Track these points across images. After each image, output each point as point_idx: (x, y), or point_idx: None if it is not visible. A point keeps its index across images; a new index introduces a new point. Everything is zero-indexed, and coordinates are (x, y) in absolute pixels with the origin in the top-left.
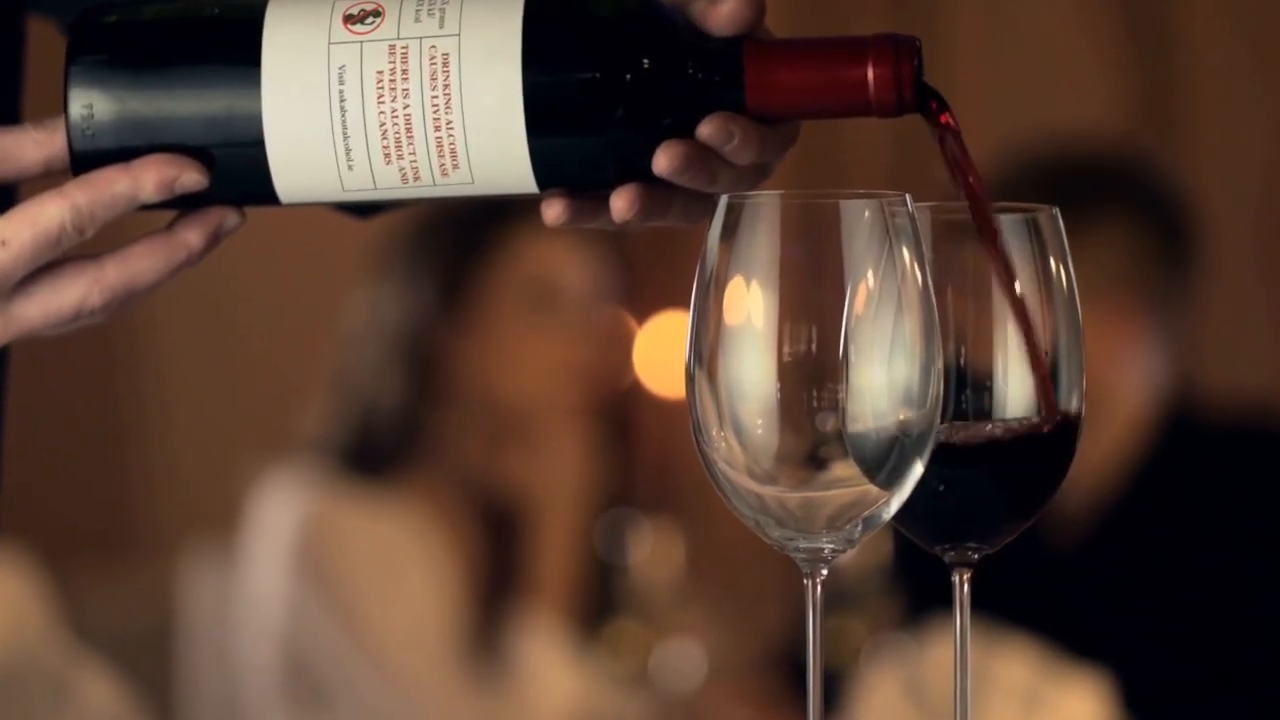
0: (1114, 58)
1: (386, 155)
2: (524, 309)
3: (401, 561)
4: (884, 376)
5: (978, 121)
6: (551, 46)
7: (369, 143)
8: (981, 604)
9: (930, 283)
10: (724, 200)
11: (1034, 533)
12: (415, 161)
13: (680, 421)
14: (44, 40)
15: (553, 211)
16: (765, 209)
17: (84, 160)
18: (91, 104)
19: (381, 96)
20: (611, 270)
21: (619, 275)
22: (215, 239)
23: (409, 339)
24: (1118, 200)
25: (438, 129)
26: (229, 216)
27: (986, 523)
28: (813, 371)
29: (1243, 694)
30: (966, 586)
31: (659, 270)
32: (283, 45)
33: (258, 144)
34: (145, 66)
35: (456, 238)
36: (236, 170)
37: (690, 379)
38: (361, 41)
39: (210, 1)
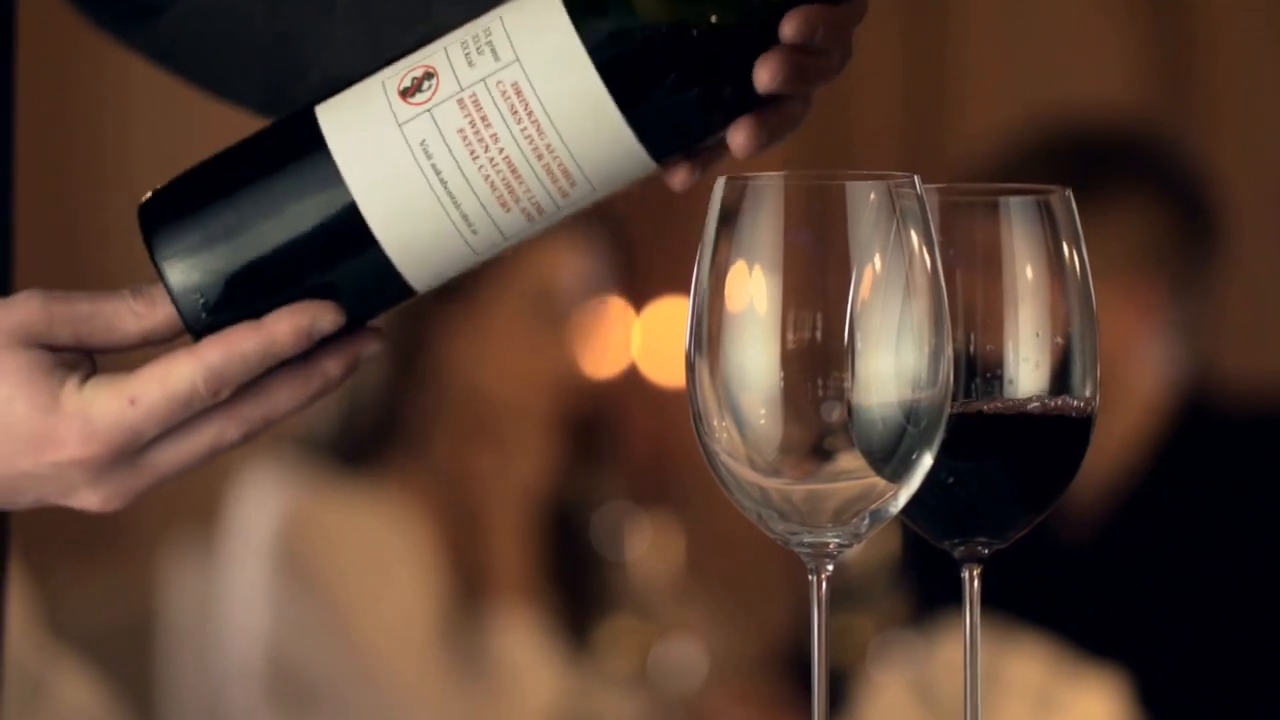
0: (1131, 31)
1: (503, 204)
2: (517, 308)
3: (386, 557)
4: (891, 364)
5: (990, 98)
6: (608, 24)
7: (481, 201)
8: (992, 600)
9: (939, 266)
10: (725, 182)
11: (1047, 526)
12: (533, 197)
13: (680, 412)
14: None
15: (679, 177)
16: (768, 191)
17: (208, 334)
18: (199, 291)
19: (474, 152)
20: (609, 267)
21: (617, 270)
22: (354, 367)
23: (390, 326)
24: (1134, 179)
25: (540, 157)
26: (369, 345)
27: (997, 516)
28: (817, 359)
29: (1265, 692)
30: (977, 582)
31: (658, 255)
32: (355, 148)
33: (375, 252)
34: (232, 230)
35: None
36: (366, 285)
37: (691, 367)
38: (430, 109)
39: (257, 143)
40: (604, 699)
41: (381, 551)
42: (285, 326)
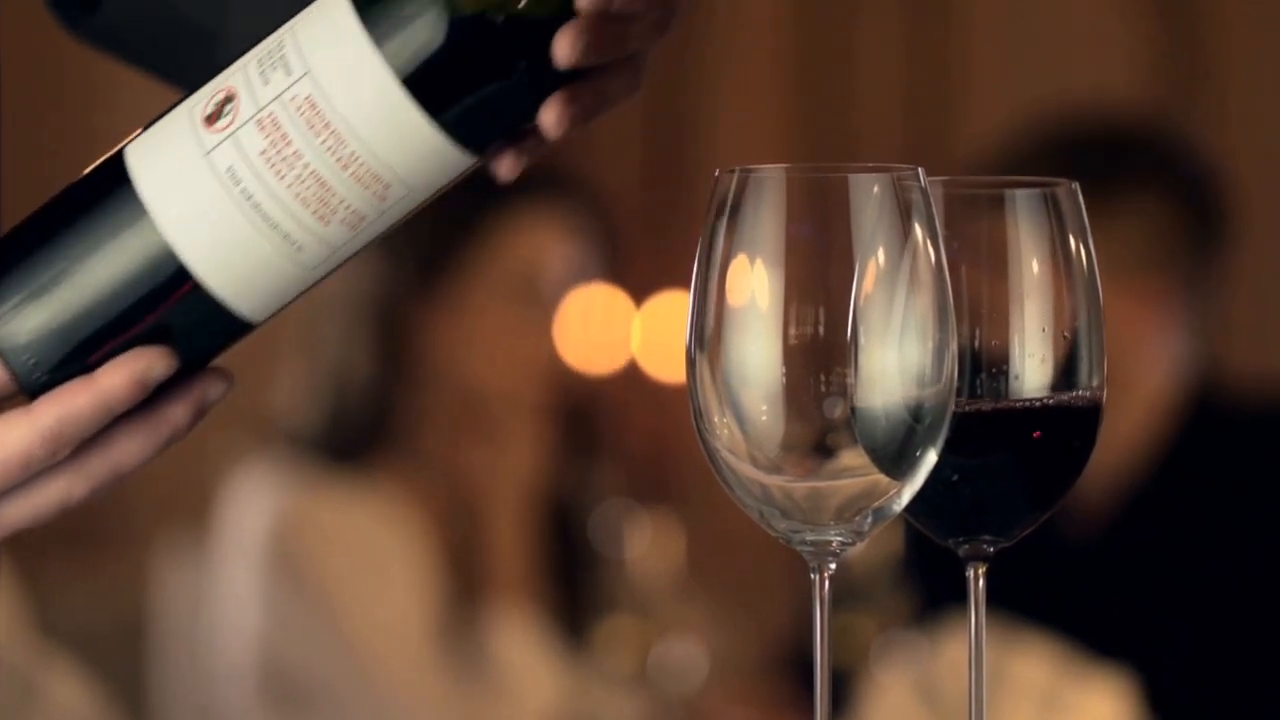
0: (1138, 24)
1: (322, 218)
2: (504, 296)
3: (380, 554)
4: (895, 359)
5: (995, 91)
6: (399, 25)
7: (299, 219)
8: (997, 600)
9: (943, 260)
10: (726, 175)
11: (1052, 524)
12: (350, 206)
13: (681, 408)
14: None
15: (504, 167)
16: (770, 183)
17: (45, 391)
18: (28, 351)
19: (280, 172)
20: (596, 253)
21: (607, 261)
22: (202, 411)
23: (381, 319)
24: (1141, 175)
25: (346, 167)
26: (212, 388)
27: (1002, 514)
28: (820, 354)
29: (1273, 692)
30: (982, 581)
31: (658, 248)
32: (162, 186)
33: (199, 290)
34: (52, 284)
35: (436, 215)
36: (197, 325)
37: (691, 363)
38: (232, 134)
39: (72, 192)
40: (603, 699)
41: (375, 549)
42: (118, 379)
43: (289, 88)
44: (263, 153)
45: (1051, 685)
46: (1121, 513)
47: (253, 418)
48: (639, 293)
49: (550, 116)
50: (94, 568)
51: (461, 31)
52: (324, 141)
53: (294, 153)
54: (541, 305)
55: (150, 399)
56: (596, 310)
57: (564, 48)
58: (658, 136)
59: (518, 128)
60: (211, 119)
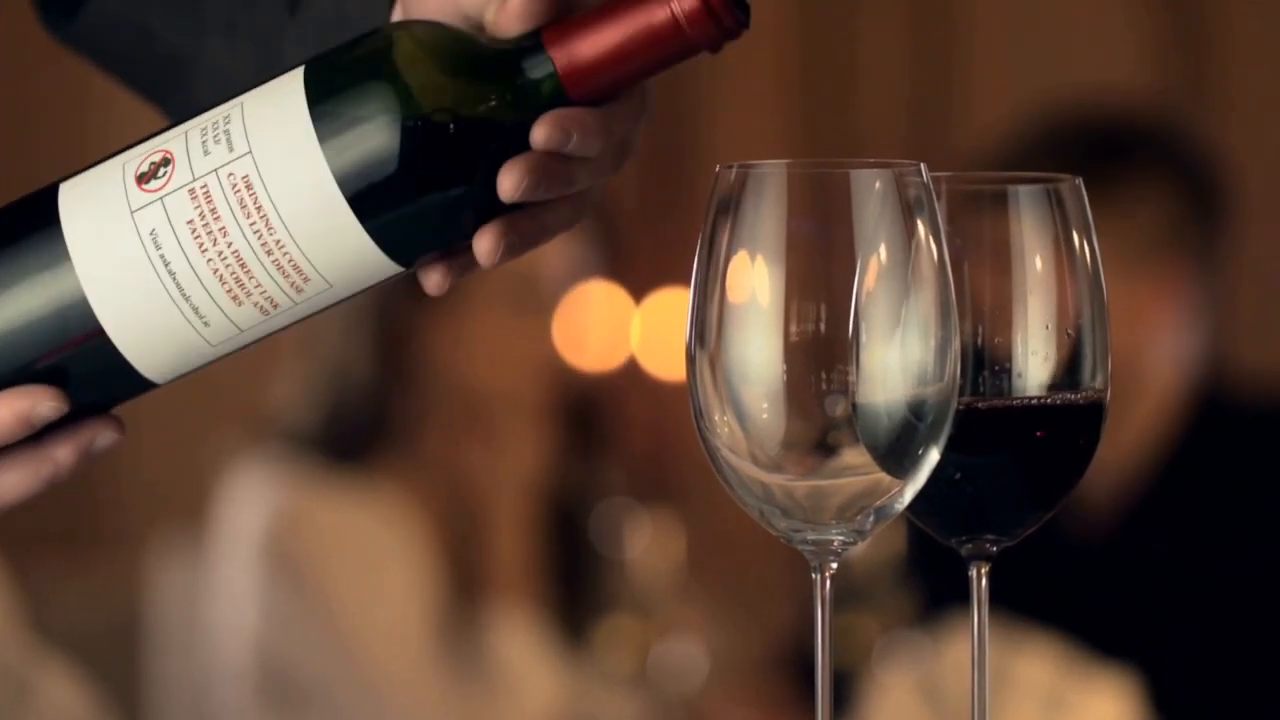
0: (1142, 15)
1: (234, 298)
2: (502, 295)
3: (379, 554)
4: (897, 357)
5: (999, 84)
6: (347, 126)
7: (211, 294)
8: (1000, 599)
9: (946, 257)
10: (727, 171)
11: (1056, 523)
12: (265, 292)
13: (681, 406)
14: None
15: (432, 281)
16: (771, 179)
17: None
18: None
19: (203, 245)
20: (596, 251)
21: (607, 258)
22: (87, 457)
23: (378, 318)
24: (1146, 167)
25: (270, 253)
26: (102, 434)
27: (1006, 512)
28: (821, 352)
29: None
30: (985, 581)
31: (658, 245)
32: (86, 233)
33: (103, 341)
34: None
35: None
36: (95, 373)
37: (691, 360)
38: (161, 197)
39: (1, 216)
40: (603, 700)
41: (373, 548)
42: (4, 411)
43: (228, 163)
44: (189, 222)
45: (1055, 686)
46: (1126, 511)
47: (250, 416)
48: (639, 289)
49: (485, 244)
50: (88, 566)
51: (409, 143)
52: (252, 224)
53: (220, 229)
54: (540, 303)
55: (39, 436)
56: (596, 307)
57: (509, 182)
58: (658, 131)
59: (451, 247)
60: (144, 178)
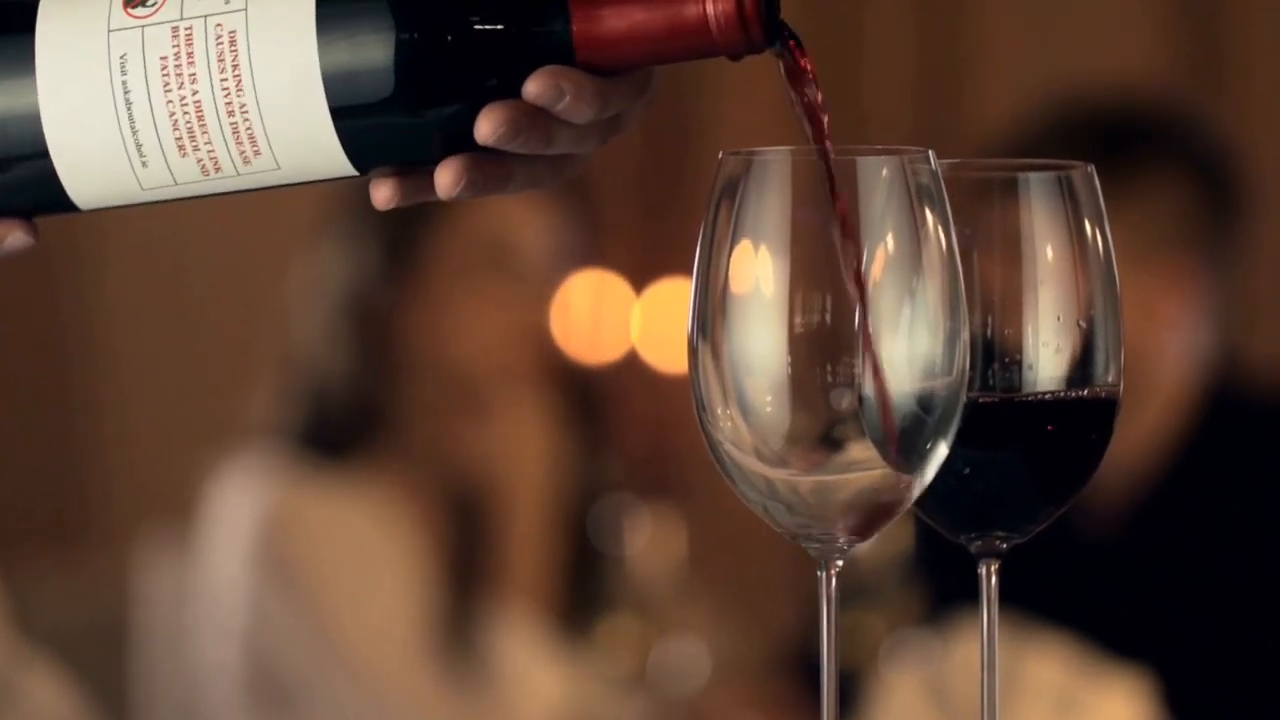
0: (1156, 1)
1: (181, 148)
2: (473, 269)
3: (370, 552)
4: (904, 349)
5: (1008, 69)
6: (349, 12)
7: (160, 136)
8: (1010, 597)
9: (955, 246)
10: (730, 157)
11: (1067, 519)
12: (213, 151)
13: (682, 399)
14: None
15: (382, 194)
16: (774, 166)
17: None
18: None
19: (168, 84)
20: (580, 226)
21: (589, 231)
22: None
23: (359, 308)
24: (1159, 157)
25: (231, 114)
26: (13, 235)
27: (1016, 509)
28: (827, 344)
29: None
30: (994, 578)
31: (659, 233)
32: (58, 37)
33: (41, 148)
34: None
35: None
36: (24, 177)
37: (693, 352)
38: (143, 26)
39: None
40: (602, 700)
41: (363, 545)
42: None
43: (219, 14)
44: (162, 58)
45: (1066, 686)
46: (1139, 508)
47: (236, 413)
48: (639, 279)
49: (447, 176)
50: (73, 564)
51: (404, 54)
52: (223, 81)
53: (191, 75)
54: (517, 272)
55: None
56: (594, 297)
57: (487, 125)
58: (659, 116)
59: (412, 166)
60: (132, 3)
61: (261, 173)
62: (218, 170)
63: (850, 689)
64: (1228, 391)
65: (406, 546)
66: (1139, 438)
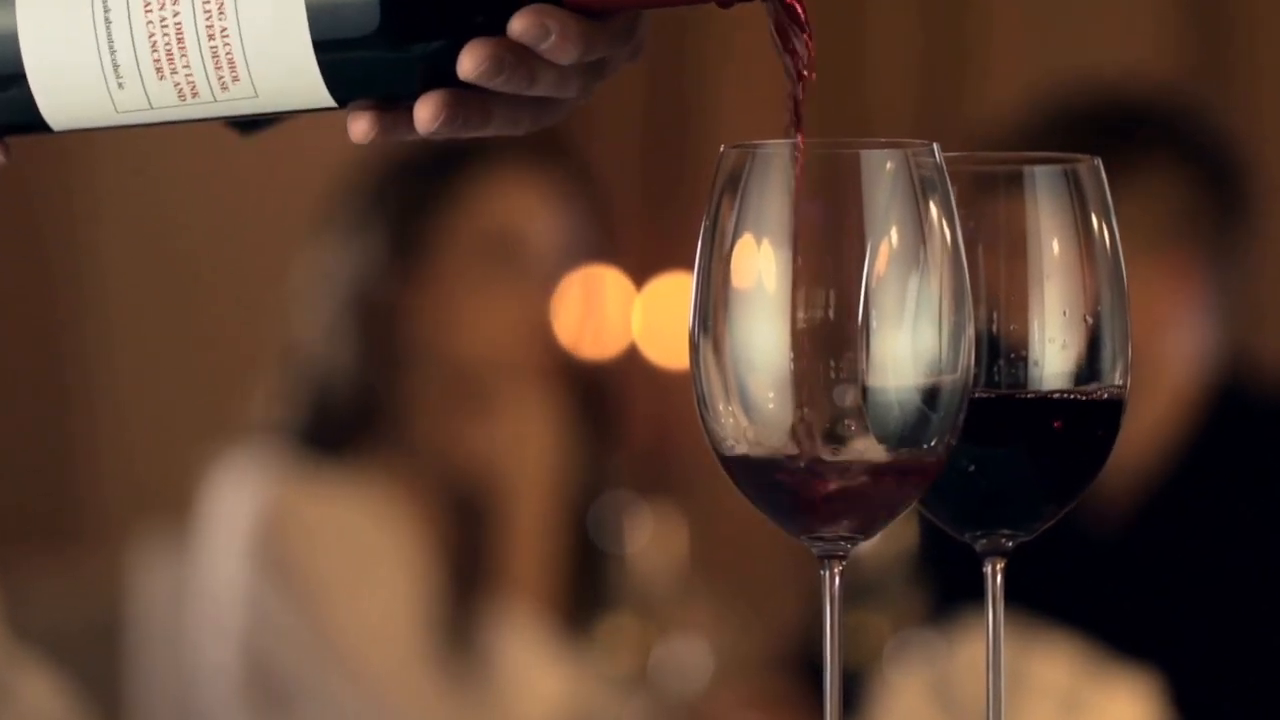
0: None
1: (159, 70)
2: (482, 263)
3: (369, 550)
4: (909, 344)
5: (1014, 60)
6: None
7: (138, 57)
8: (1016, 596)
9: (959, 241)
10: (731, 150)
11: (1074, 517)
12: (191, 75)
13: (684, 395)
14: None
15: (359, 127)
16: (777, 159)
17: None
18: None
19: (149, 5)
20: (587, 221)
21: (596, 226)
22: None
23: (362, 302)
24: (1165, 149)
25: (211, 38)
26: None
27: (1021, 506)
28: (830, 339)
29: None
30: (1000, 577)
31: (659, 227)
32: None
33: (16, 65)
34: None
35: (410, 186)
36: None
37: (694, 348)
38: None
39: None
40: (602, 700)
41: (362, 543)
42: None
43: None
44: None
45: (1072, 686)
46: (1146, 506)
47: (235, 409)
48: (640, 274)
49: (426, 110)
50: (68, 563)
51: None
52: (206, 3)
53: None
54: (524, 267)
55: None
56: (595, 292)
57: (470, 61)
58: (659, 108)
59: (392, 101)
60: None
61: (238, 100)
62: (195, 95)
63: (854, 689)
64: (1234, 388)
65: (405, 544)
66: (1145, 435)
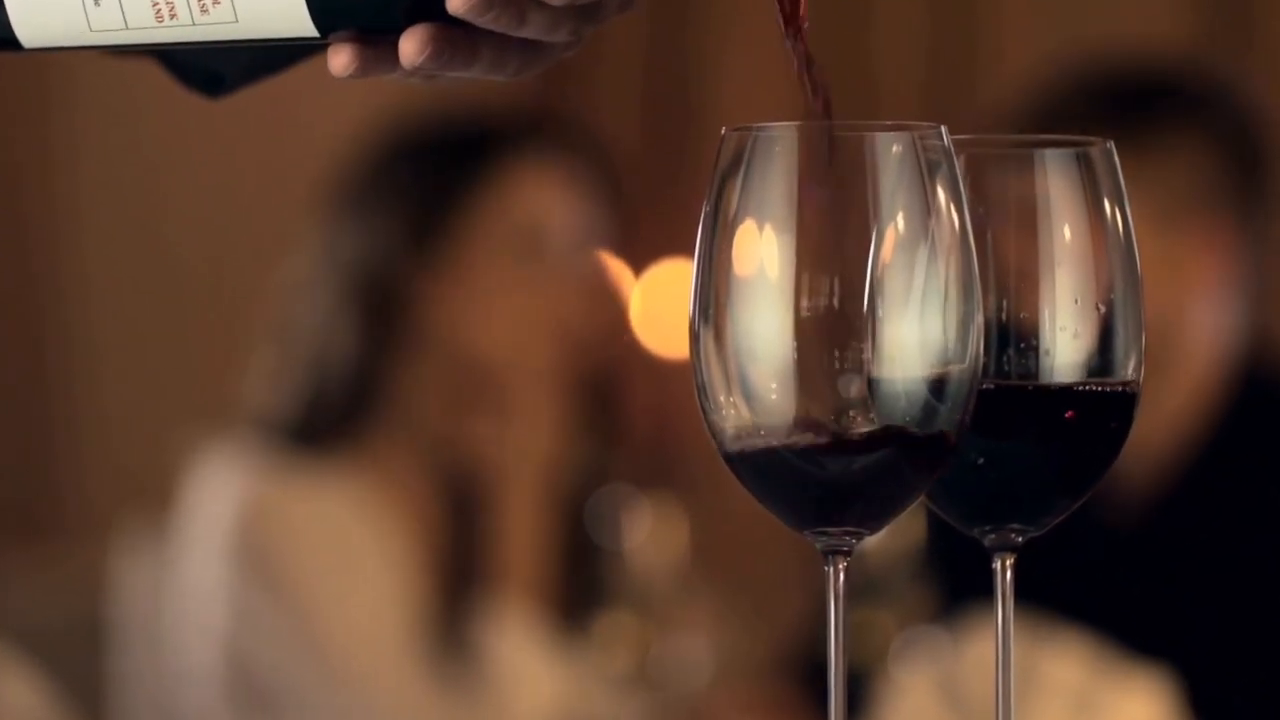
0: None
1: None
2: (504, 254)
3: (357, 547)
4: (916, 333)
5: (1024, 38)
6: None
7: None
8: (1026, 593)
9: (968, 226)
10: (733, 133)
11: (1086, 511)
12: None
13: (684, 385)
14: None
15: (340, 60)
16: (781, 142)
17: None
18: None
19: None
20: (604, 216)
21: (612, 223)
22: None
23: (368, 284)
24: (1183, 127)
25: None
26: None
27: (1032, 500)
28: (834, 328)
29: None
30: (1009, 573)
31: (660, 212)
32: None
33: None
34: None
35: (429, 168)
36: None
37: (695, 337)
38: None
39: None
40: (599, 702)
41: (352, 540)
42: None
43: None
44: None
45: (1085, 686)
46: (1161, 497)
47: (222, 398)
48: (639, 260)
49: (412, 44)
50: (47, 560)
51: None
52: None
53: None
54: (546, 264)
55: None
56: (597, 277)
57: None
58: (659, 90)
59: (375, 33)
60: None
61: (217, 25)
62: (173, 17)
63: (859, 689)
64: (1256, 372)
65: (394, 539)
66: (1162, 424)
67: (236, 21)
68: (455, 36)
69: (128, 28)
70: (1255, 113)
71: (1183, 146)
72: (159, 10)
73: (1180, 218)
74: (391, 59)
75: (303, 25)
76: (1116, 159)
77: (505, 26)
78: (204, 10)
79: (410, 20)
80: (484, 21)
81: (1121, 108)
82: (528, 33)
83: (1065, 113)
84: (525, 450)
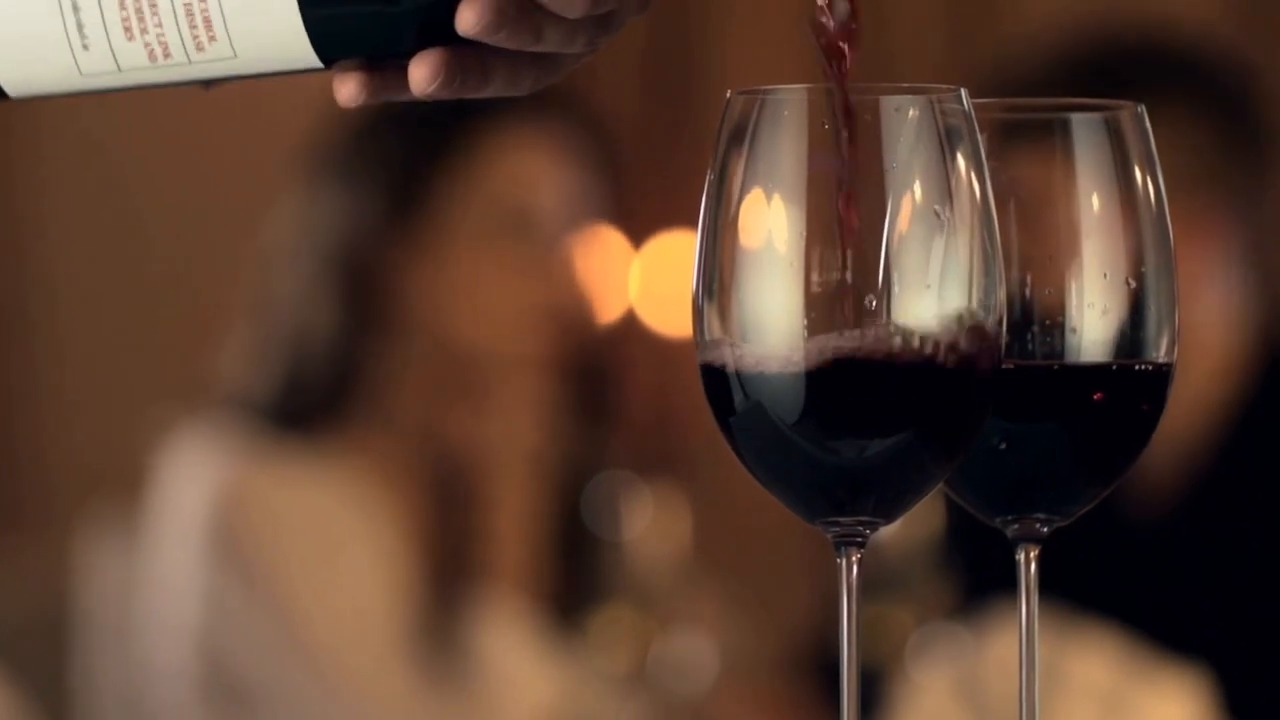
0: None
1: (128, 29)
2: (488, 233)
3: (340, 537)
4: (934, 309)
5: (1039, 7)
6: None
7: (104, 15)
8: (1052, 587)
9: (990, 196)
10: (739, 97)
11: (1114, 500)
12: (163, 35)
13: (687, 365)
14: None
15: (347, 90)
16: (790, 105)
17: None
18: None
19: None
20: (599, 189)
21: (608, 195)
22: None
23: (346, 261)
24: (1205, 95)
25: None
26: None
27: (1057, 488)
28: (846, 304)
29: None
30: (1033, 566)
31: (660, 182)
32: None
33: None
34: None
35: (410, 140)
36: None
37: (698, 313)
38: None
39: None
40: (596, 702)
41: (333, 530)
42: None
43: None
44: None
45: (1114, 685)
46: (1192, 486)
47: (193, 381)
48: (638, 233)
49: (423, 70)
50: (9, 550)
51: None
52: None
53: None
54: (535, 242)
55: None
56: (589, 253)
57: (471, 13)
58: (660, 51)
59: (383, 60)
60: None
61: (214, 62)
62: (167, 57)
63: (873, 689)
64: None
65: (380, 530)
66: (1192, 410)
67: (235, 57)
68: (467, 58)
69: (120, 70)
70: (1269, 82)
71: (1202, 118)
72: (151, 50)
73: (1201, 194)
74: (401, 84)
75: (305, 57)
76: (1148, 125)
77: (520, 44)
78: (200, 48)
79: (419, 45)
80: (497, 40)
81: (1139, 78)
82: (544, 48)
83: (1089, 81)
84: (517, 435)
